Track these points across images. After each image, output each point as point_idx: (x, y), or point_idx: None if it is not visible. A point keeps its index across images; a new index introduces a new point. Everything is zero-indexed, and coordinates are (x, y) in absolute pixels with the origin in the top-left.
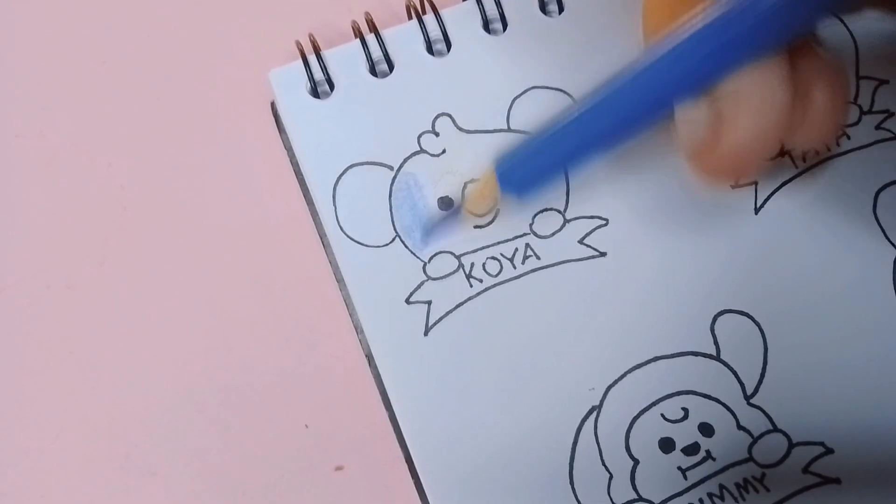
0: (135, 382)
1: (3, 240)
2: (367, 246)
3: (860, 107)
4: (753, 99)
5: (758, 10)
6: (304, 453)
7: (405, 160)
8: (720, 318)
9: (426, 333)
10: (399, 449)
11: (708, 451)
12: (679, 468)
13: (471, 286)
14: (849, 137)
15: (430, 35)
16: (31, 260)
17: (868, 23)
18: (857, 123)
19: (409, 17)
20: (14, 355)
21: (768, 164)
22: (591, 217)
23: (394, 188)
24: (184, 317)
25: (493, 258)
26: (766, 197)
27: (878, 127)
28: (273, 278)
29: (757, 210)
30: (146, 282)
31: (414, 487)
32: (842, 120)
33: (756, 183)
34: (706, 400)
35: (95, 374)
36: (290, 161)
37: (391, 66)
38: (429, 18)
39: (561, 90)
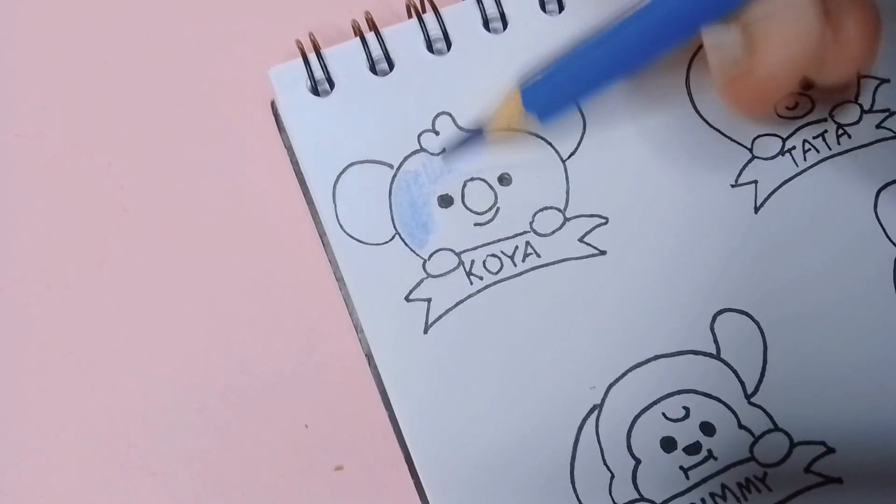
0: (135, 382)
1: (3, 240)
2: (366, 244)
3: (861, 106)
4: (787, 23)
5: None
6: (304, 453)
7: (405, 158)
8: (720, 317)
9: (426, 331)
10: (399, 449)
11: (709, 451)
12: (681, 467)
13: (471, 284)
14: (850, 136)
15: (431, 34)
16: (31, 260)
17: None
18: (857, 122)
19: (410, 16)
20: (14, 355)
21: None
22: (592, 215)
23: (394, 186)
24: (184, 316)
25: (494, 255)
26: (766, 196)
27: (878, 126)
28: (273, 277)
29: (757, 209)
30: (146, 282)
31: (414, 487)
32: (872, 51)
33: (756, 182)
34: (707, 399)
35: (95, 374)
36: (290, 159)
37: (391, 65)
38: (429, 17)
39: None
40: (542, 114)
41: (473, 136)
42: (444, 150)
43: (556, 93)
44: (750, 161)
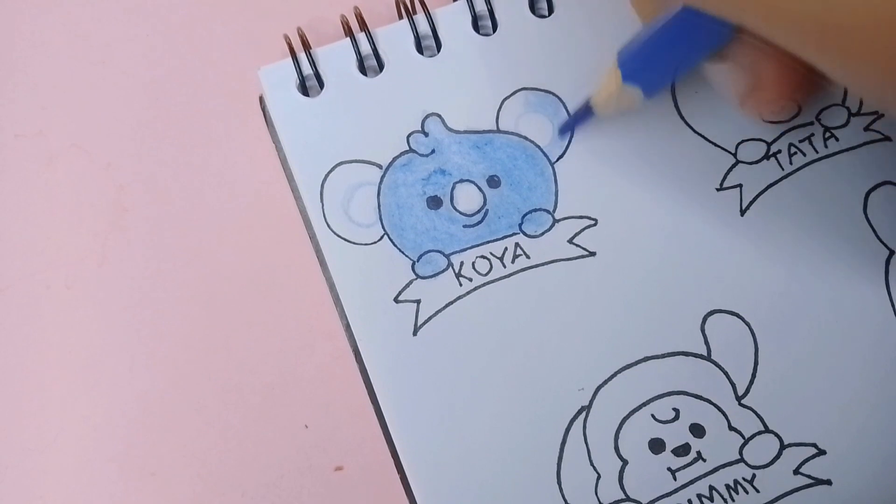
0: (135, 382)
1: (3, 240)
2: (355, 244)
3: (848, 109)
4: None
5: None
6: (304, 453)
7: (394, 159)
8: (710, 318)
9: (415, 333)
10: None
11: (698, 452)
12: (669, 469)
13: (460, 285)
14: (837, 139)
15: (421, 34)
16: (31, 260)
17: None
18: (846, 125)
19: (400, 17)
20: (14, 355)
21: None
22: (581, 217)
23: (382, 187)
24: (183, 316)
25: (483, 257)
26: (751, 199)
27: (866, 128)
28: (272, 278)
29: (743, 212)
30: (145, 282)
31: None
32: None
33: (741, 185)
34: (697, 400)
35: (95, 374)
36: (279, 156)
37: (381, 65)
38: (419, 18)
39: (550, 92)
40: (643, 84)
41: (582, 111)
42: (560, 131)
43: (654, 63)
44: (734, 165)
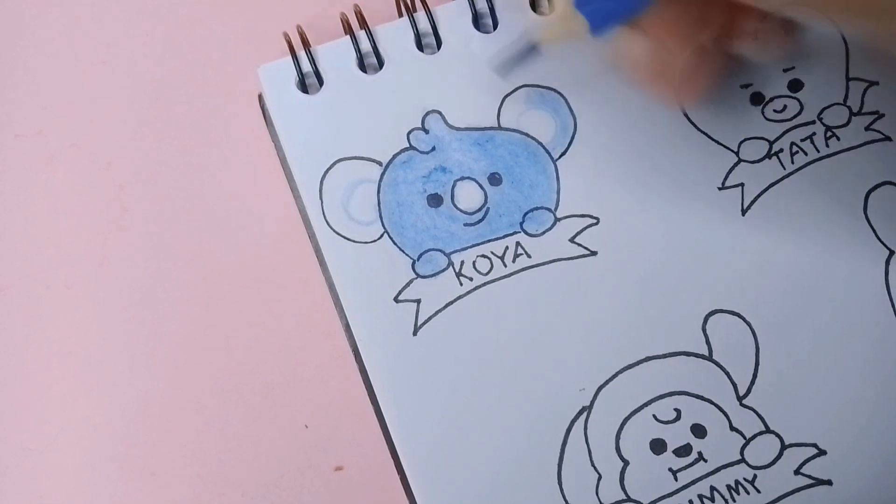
0: (135, 382)
1: (3, 240)
2: (354, 242)
3: (850, 108)
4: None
5: None
6: (304, 453)
7: (394, 156)
8: (711, 318)
9: (415, 333)
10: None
11: (700, 453)
12: (670, 469)
13: (461, 284)
14: (838, 139)
15: (421, 32)
16: (31, 260)
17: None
18: (847, 125)
19: (400, 14)
20: (14, 355)
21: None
22: (583, 216)
23: (382, 184)
24: (183, 317)
25: (484, 256)
26: (752, 198)
27: (867, 128)
28: (272, 277)
29: (744, 211)
30: (145, 282)
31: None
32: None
33: (743, 184)
34: (698, 401)
35: (95, 374)
36: (278, 154)
37: (381, 63)
38: (420, 16)
39: (551, 88)
40: (594, 20)
41: (527, 47)
42: (498, 64)
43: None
44: (736, 164)
